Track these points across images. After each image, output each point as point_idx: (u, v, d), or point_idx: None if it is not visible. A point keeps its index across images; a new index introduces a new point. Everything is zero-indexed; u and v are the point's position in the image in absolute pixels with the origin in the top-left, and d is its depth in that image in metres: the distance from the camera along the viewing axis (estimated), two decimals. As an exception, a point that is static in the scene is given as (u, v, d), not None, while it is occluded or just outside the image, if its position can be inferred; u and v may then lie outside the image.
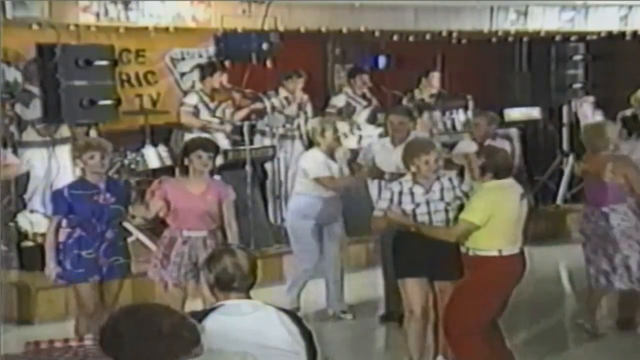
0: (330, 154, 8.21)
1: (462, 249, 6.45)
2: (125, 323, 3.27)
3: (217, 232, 7.11)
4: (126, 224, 8.92)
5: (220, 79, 10.47)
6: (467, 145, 8.90)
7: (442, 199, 6.62)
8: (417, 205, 6.60)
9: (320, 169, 8.14)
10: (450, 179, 6.75)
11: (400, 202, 6.62)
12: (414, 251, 6.63)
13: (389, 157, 8.08)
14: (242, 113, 10.56)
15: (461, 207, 6.54)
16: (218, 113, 10.40)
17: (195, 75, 11.09)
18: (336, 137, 8.23)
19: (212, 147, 7.17)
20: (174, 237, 7.05)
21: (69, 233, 6.92)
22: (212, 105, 10.35)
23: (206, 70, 10.54)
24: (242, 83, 10.80)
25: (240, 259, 4.38)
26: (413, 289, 6.68)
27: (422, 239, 6.55)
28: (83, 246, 6.88)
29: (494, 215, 6.29)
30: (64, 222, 6.94)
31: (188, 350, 3.29)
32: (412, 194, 6.63)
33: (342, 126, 8.81)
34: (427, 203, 6.60)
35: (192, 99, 10.36)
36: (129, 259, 7.18)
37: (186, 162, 7.04)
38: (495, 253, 6.35)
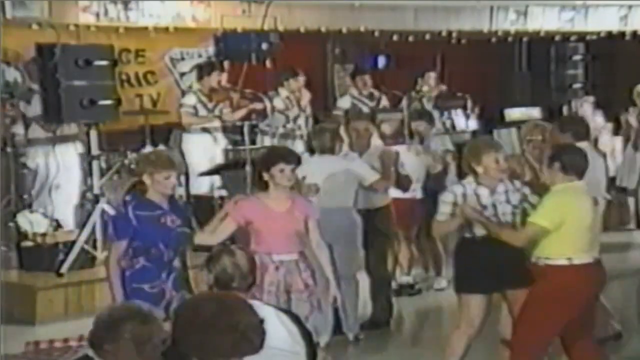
0: None
1: (532, 259, 6.00)
2: (207, 307, 3.28)
3: (308, 254, 6.33)
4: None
5: (218, 78, 10.47)
6: None
7: (508, 201, 6.19)
8: (484, 207, 6.15)
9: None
10: (512, 181, 6.32)
11: None
12: (478, 263, 6.18)
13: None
14: (241, 113, 10.55)
15: (527, 211, 6.16)
16: (216, 113, 10.39)
17: (195, 75, 11.09)
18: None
19: (294, 159, 6.32)
20: (264, 263, 6.03)
21: (129, 262, 5.90)
22: (210, 105, 10.34)
23: (204, 70, 10.54)
24: (239, 83, 10.78)
25: (240, 258, 4.39)
26: (477, 305, 6.24)
27: (487, 248, 6.12)
28: (147, 278, 5.87)
29: (565, 220, 5.85)
30: (123, 249, 5.90)
31: (246, 353, 3.31)
32: (477, 195, 6.18)
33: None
34: (494, 205, 6.17)
35: (190, 100, 10.36)
36: (192, 293, 6.03)
37: (266, 176, 6.18)
38: (564, 262, 5.89)
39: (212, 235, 6.19)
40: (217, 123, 10.36)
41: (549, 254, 5.92)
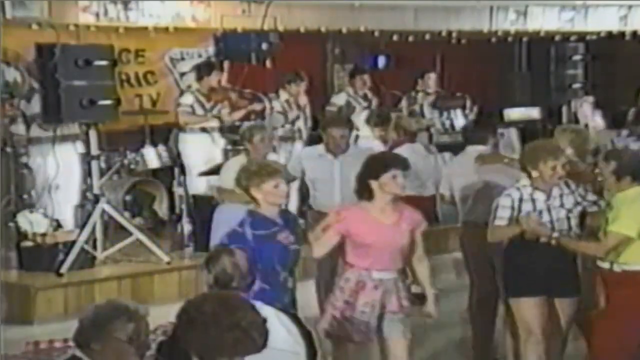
0: None
1: (603, 264, 5.82)
2: (210, 306, 3.28)
3: (405, 270, 5.87)
4: (125, 224, 8.97)
5: (217, 78, 10.46)
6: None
7: (562, 205, 6.05)
8: (540, 212, 6.00)
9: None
10: (567, 183, 6.14)
11: (519, 210, 6.02)
12: (530, 266, 6.00)
13: (326, 168, 7.66)
14: (239, 114, 10.53)
15: (583, 215, 6.05)
16: (214, 113, 10.38)
17: (194, 75, 11.09)
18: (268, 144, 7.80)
19: (406, 164, 5.83)
20: (361, 280, 5.61)
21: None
22: (207, 105, 10.33)
23: (203, 70, 10.53)
24: (239, 83, 10.78)
25: (239, 258, 4.39)
26: (531, 309, 6.03)
27: (537, 251, 5.97)
28: (268, 302, 5.01)
29: None
30: None
31: (249, 352, 3.31)
32: (533, 200, 6.02)
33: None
34: (549, 210, 6.03)
35: (187, 99, 10.33)
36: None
37: (374, 185, 5.69)
38: None
39: (314, 247, 5.75)
40: (215, 123, 10.35)
41: (626, 260, 5.74)
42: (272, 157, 7.98)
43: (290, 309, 5.24)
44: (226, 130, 10.44)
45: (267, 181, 5.40)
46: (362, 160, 7.64)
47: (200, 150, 10.21)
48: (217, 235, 5.15)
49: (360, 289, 5.61)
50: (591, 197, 6.18)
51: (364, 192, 5.73)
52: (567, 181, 6.13)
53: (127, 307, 3.63)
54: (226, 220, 6.58)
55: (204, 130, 10.23)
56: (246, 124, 10.13)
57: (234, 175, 7.04)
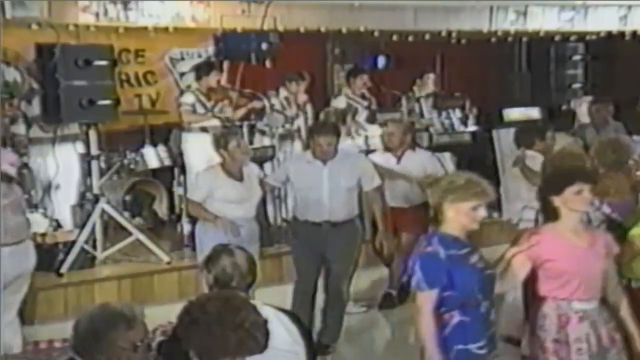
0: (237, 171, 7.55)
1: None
2: (212, 306, 3.27)
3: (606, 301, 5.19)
4: (125, 224, 8.97)
5: (216, 78, 10.46)
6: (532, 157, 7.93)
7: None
8: None
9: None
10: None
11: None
12: None
13: (315, 174, 7.59)
14: (241, 112, 10.55)
15: (609, 228, 5.67)
16: (216, 112, 10.38)
17: (193, 75, 11.08)
18: (243, 150, 7.59)
19: (591, 177, 5.23)
20: (563, 312, 5.00)
21: (443, 317, 4.71)
22: (209, 104, 10.33)
23: (202, 70, 10.53)
24: (236, 83, 10.77)
25: (239, 258, 4.39)
26: None
27: None
28: (471, 337, 4.69)
29: None
30: (435, 300, 4.67)
31: (251, 352, 3.31)
32: None
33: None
34: None
35: (189, 98, 10.34)
36: None
37: (557, 202, 5.05)
38: None
39: (502, 279, 4.88)
40: (216, 122, 10.35)
41: None
42: (250, 167, 7.84)
43: (493, 347, 4.78)
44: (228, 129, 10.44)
45: (470, 200, 4.72)
46: (351, 165, 7.70)
47: (202, 150, 10.20)
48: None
49: (564, 323, 4.98)
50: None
51: (547, 210, 5.12)
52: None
53: (123, 313, 3.55)
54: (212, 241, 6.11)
55: (204, 129, 10.23)
56: (246, 123, 10.16)
57: (206, 188, 7.30)
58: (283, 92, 10.92)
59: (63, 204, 9.50)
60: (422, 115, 11.66)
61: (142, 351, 3.52)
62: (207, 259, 4.47)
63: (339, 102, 11.57)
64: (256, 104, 10.63)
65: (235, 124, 10.33)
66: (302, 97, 11.04)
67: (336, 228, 7.58)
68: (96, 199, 8.87)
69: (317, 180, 7.58)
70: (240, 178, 7.56)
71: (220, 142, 7.57)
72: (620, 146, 6.89)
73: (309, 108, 11.13)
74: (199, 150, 10.16)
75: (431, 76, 12.00)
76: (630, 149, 7.03)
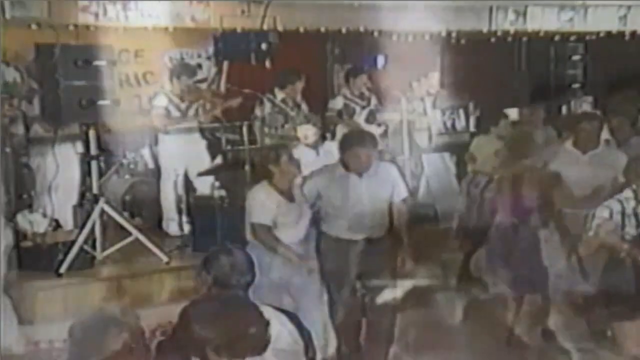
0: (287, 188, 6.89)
1: None
2: (214, 305, 3.30)
3: None
4: (125, 224, 8.97)
5: (190, 80, 10.35)
6: None
7: None
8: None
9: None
10: None
11: (623, 226, 5.48)
12: (626, 288, 5.46)
13: (351, 188, 7.12)
14: (216, 111, 10.42)
15: None
16: (191, 113, 10.30)
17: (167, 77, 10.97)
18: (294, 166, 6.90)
19: None
20: None
21: None
22: (182, 105, 10.25)
23: (175, 72, 10.40)
24: (221, 82, 10.73)
25: (238, 258, 4.39)
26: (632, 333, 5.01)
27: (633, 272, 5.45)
28: None
29: None
30: None
31: (253, 352, 3.33)
32: (636, 215, 5.51)
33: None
34: None
35: (161, 101, 10.24)
36: None
37: None
38: None
39: None
40: (194, 123, 10.28)
41: None
42: (298, 181, 7.11)
43: None
44: (225, 130, 10.41)
45: None
46: (385, 175, 7.19)
47: (179, 151, 10.10)
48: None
49: None
50: None
51: None
52: None
53: (115, 317, 3.57)
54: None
55: (183, 131, 10.13)
56: (245, 123, 10.13)
57: (263, 207, 6.59)
58: (280, 94, 10.88)
59: (62, 204, 9.49)
60: (424, 114, 11.66)
61: (139, 353, 3.53)
62: (205, 259, 4.48)
63: (336, 103, 11.57)
64: (232, 102, 10.51)
65: (234, 124, 10.32)
66: (299, 98, 11.02)
67: (372, 244, 7.15)
68: (96, 199, 8.87)
69: (355, 194, 7.13)
70: (290, 196, 6.93)
71: (270, 156, 6.96)
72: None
73: (305, 108, 11.10)
74: (177, 151, 10.06)
75: (431, 76, 12.01)
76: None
